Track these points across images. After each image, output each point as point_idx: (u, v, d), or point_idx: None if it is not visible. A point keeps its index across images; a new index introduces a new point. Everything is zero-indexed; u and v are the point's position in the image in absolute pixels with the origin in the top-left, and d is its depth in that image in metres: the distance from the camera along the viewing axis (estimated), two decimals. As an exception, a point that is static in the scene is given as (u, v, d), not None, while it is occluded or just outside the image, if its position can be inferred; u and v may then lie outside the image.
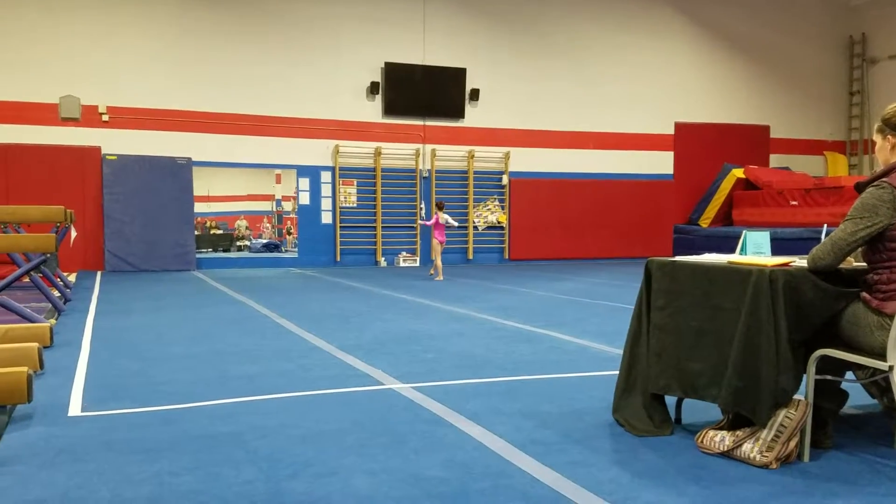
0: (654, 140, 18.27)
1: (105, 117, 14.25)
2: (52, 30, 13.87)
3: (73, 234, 9.96)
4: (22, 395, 3.67)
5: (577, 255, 17.45)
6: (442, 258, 12.87)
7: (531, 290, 10.76)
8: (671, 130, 18.42)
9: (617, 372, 3.87)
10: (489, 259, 17.05)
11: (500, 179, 17.03)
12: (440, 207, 13.07)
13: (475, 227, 16.92)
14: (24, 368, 3.74)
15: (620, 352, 3.99)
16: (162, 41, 14.58)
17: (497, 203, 17.09)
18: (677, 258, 3.63)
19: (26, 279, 8.00)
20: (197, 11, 14.85)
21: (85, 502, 2.73)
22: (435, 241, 12.84)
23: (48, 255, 7.37)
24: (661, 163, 18.36)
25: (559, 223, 17.30)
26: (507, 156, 16.96)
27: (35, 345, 4.63)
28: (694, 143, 18.47)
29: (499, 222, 17.10)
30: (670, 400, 3.74)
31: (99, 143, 14.17)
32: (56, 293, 8.85)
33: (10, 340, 5.13)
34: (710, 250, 3.82)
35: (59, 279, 9.67)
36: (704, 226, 18.03)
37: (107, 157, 14.16)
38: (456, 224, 14.14)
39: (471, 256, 16.81)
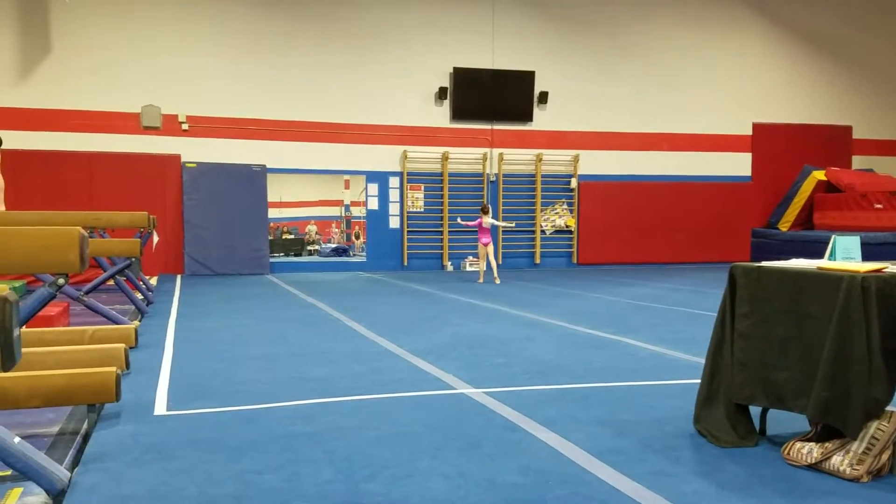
0: (731, 141, 17.79)
1: (184, 126, 14.77)
2: (132, 41, 14.45)
3: (156, 239, 10.33)
4: (110, 394, 3.79)
5: (649, 260, 17.12)
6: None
7: (601, 294, 10.61)
8: (749, 131, 17.90)
9: (697, 380, 3.78)
10: (557, 263, 16.90)
11: (569, 183, 16.87)
12: (485, 211, 13.06)
13: (543, 232, 16.80)
14: (113, 368, 3.88)
15: (698, 359, 3.89)
16: (237, 51, 15.02)
17: (565, 206, 16.94)
18: (764, 263, 3.52)
19: (111, 282, 8.34)
20: (270, 21, 15.24)
21: (172, 499, 2.82)
22: (480, 247, 12.91)
23: (132, 259, 7.67)
24: (739, 164, 17.86)
25: (630, 227, 17.01)
26: (575, 159, 16.80)
27: (122, 345, 4.81)
28: (772, 144, 17.89)
29: (567, 226, 16.94)
30: (754, 410, 3.63)
31: (179, 151, 14.69)
32: (139, 296, 9.21)
33: (97, 341, 5.36)
34: (790, 255, 3.69)
35: (141, 282, 10.06)
36: (784, 230, 17.45)
37: (186, 164, 14.67)
38: (502, 224, 14.22)
39: (538, 261, 16.71)
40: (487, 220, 12.84)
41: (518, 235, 16.65)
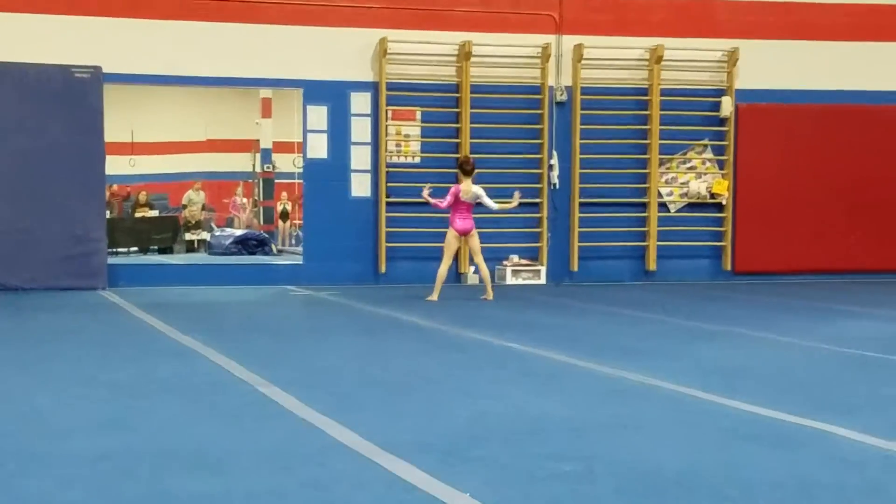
0: None
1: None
2: None
3: None
4: None
5: (874, 267, 17.08)
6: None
7: (780, 335, 10.68)
8: None
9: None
10: (693, 269, 16.96)
11: (718, 106, 16.85)
12: (465, 172, 13.50)
13: (664, 207, 16.79)
14: None
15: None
16: None
17: (709, 157, 16.94)
18: None
19: None
20: None
21: None
22: (450, 234, 13.58)
23: None
24: None
25: (837, 200, 16.97)
26: (730, 56, 16.79)
27: None
28: None
29: (714, 196, 16.91)
30: None
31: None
32: None
33: None
34: None
35: None
36: None
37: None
38: (494, 206, 14.02)
39: (652, 266, 16.70)
40: (471, 190, 13.22)
41: (613, 215, 16.63)
